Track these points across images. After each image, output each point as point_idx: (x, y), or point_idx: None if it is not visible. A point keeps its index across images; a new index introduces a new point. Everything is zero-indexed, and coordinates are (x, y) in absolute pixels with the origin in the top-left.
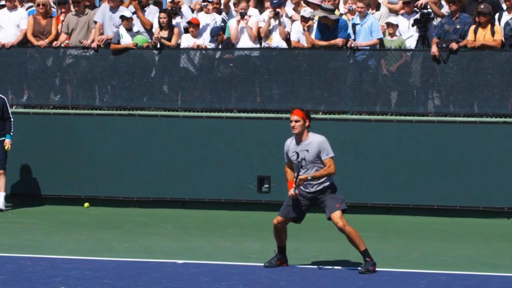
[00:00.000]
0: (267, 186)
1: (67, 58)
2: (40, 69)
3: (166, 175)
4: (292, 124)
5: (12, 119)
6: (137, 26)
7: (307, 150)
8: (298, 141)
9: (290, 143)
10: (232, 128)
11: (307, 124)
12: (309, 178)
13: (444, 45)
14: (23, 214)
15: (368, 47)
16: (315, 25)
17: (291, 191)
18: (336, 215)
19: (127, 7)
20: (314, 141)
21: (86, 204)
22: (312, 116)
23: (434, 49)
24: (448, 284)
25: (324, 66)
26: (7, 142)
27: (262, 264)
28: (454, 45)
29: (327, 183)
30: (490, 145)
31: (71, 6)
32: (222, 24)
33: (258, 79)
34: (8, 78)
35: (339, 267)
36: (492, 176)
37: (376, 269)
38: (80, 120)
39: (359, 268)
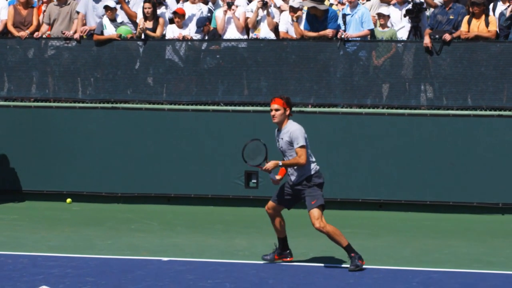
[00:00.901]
0: (255, 181)
1: (49, 49)
2: (20, 61)
3: (150, 170)
4: (272, 113)
5: None
6: (121, 16)
7: (282, 139)
8: (279, 129)
9: (276, 130)
10: (219, 122)
11: (287, 112)
12: (279, 164)
13: (437, 36)
14: (3, 210)
15: (359, 38)
16: (304, 16)
17: (272, 176)
18: (313, 215)
19: None
20: (289, 130)
21: (69, 200)
22: (302, 109)
23: (426, 40)
24: (441, 282)
25: (314, 58)
26: None
27: (250, 262)
28: (447, 36)
29: (306, 175)
30: (484, 139)
31: None
32: (209, 14)
33: (245, 71)
34: None
35: (329, 265)
36: (487, 171)
37: (365, 263)
38: (62, 114)
39: (349, 266)
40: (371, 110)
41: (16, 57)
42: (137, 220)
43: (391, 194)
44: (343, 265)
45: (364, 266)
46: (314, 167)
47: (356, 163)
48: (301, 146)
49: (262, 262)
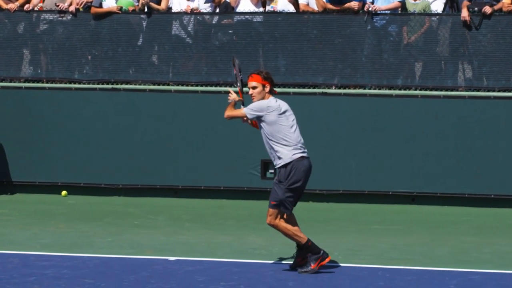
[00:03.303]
0: (272, 171)
1: (41, 24)
2: (9, 37)
3: (155, 159)
4: (250, 91)
5: None
6: None
7: None
8: None
9: None
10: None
11: (267, 89)
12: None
13: (476, 8)
14: None
15: (388, 11)
16: None
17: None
18: (268, 211)
19: None
20: None
21: (64, 193)
22: (324, 91)
23: (464, 14)
24: (481, 284)
25: (338, 33)
26: None
27: (267, 262)
28: (487, 9)
29: (278, 164)
30: None
31: None
32: None
33: (261, 48)
34: None
35: (356, 265)
36: None
37: (324, 263)
38: (56, 96)
39: (298, 268)
40: (402, 92)
41: (5, 33)
42: (140, 215)
43: (425, 186)
44: (372, 265)
45: (335, 269)
46: (288, 155)
47: (386, 151)
48: (245, 111)
49: (280, 262)
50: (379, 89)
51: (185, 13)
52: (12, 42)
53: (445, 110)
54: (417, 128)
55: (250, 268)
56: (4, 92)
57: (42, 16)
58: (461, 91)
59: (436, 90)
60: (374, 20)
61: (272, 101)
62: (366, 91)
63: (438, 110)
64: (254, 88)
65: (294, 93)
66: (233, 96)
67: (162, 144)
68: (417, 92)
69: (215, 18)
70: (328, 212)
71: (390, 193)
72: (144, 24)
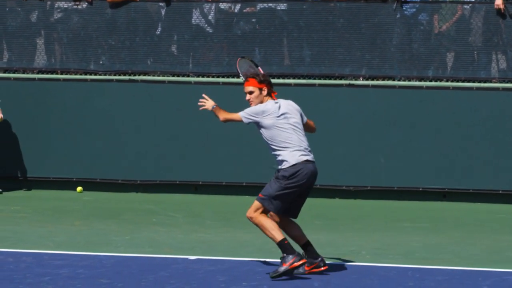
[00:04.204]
0: None
1: (55, 12)
2: (22, 26)
3: (175, 154)
4: (247, 97)
5: None
6: None
7: None
8: None
9: None
10: None
11: (265, 92)
12: (213, 106)
13: None
14: (3, 201)
15: None
16: None
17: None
18: (252, 204)
19: None
20: None
21: (79, 189)
22: (351, 82)
23: (498, 2)
24: None
25: (366, 22)
26: None
27: None
28: None
29: (285, 166)
30: None
31: None
32: None
33: (285, 38)
34: None
35: (384, 265)
36: None
37: (296, 265)
38: (71, 87)
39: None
40: (433, 84)
41: (17, 21)
42: (159, 212)
43: (457, 182)
44: (401, 265)
45: (304, 270)
46: (293, 156)
47: (416, 145)
48: (241, 115)
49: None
50: (409, 80)
51: (205, 1)
52: (25, 32)
53: (478, 102)
54: (448, 121)
55: (274, 268)
56: (16, 83)
57: (56, 4)
58: (494, 82)
59: (468, 81)
60: (404, 8)
61: (269, 104)
62: (395, 82)
63: (470, 103)
64: (251, 93)
65: (320, 85)
66: (208, 104)
67: (181, 138)
68: (449, 83)
69: (237, 6)
70: (356, 209)
71: (420, 189)
72: (163, 12)
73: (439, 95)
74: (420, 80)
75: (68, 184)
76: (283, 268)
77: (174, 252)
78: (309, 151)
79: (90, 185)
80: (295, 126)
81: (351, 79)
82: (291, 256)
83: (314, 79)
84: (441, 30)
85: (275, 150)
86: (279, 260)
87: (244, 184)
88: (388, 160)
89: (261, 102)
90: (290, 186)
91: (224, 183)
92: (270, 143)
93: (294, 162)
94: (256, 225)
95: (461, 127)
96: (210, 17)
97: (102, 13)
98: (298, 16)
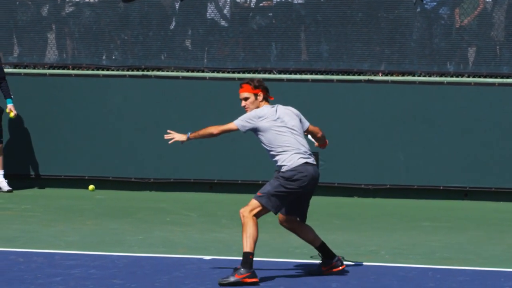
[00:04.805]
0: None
1: (67, 6)
2: (33, 20)
3: (189, 152)
4: (242, 103)
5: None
6: None
7: None
8: None
9: None
10: (271, 93)
11: (260, 98)
12: (188, 135)
13: None
14: (13, 199)
15: None
16: None
17: None
18: (250, 202)
19: None
20: None
21: (91, 187)
22: (370, 78)
23: None
24: None
25: (385, 16)
26: (11, 108)
27: (309, 261)
28: None
29: (285, 169)
30: None
31: None
32: None
33: (303, 32)
34: None
35: (404, 265)
36: None
37: (247, 280)
38: (83, 83)
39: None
40: (454, 79)
41: (28, 15)
42: (173, 211)
43: (479, 180)
44: (421, 265)
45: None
46: (292, 159)
47: (436, 143)
48: (236, 123)
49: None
50: (429, 76)
51: None
52: (36, 26)
53: (500, 98)
54: (470, 118)
55: (291, 268)
56: (27, 79)
57: None
58: None
59: (490, 77)
60: (424, 1)
61: (265, 109)
62: (415, 78)
63: (492, 99)
64: (246, 99)
65: (338, 81)
66: (178, 136)
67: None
68: (470, 79)
69: (253, 0)
70: (375, 208)
71: (441, 188)
72: (177, 6)
73: (460, 91)
74: (440, 76)
75: (79, 182)
76: (234, 279)
77: (189, 252)
78: (309, 154)
79: (102, 183)
80: (293, 129)
81: (370, 75)
82: (246, 270)
83: (332, 74)
84: (462, 24)
85: (274, 155)
86: (296, 260)
87: (260, 182)
88: (408, 158)
89: (258, 107)
90: (291, 187)
91: (239, 182)
92: (268, 148)
93: (293, 166)
94: (242, 224)
95: (482, 124)
96: (225, 11)
97: (115, 7)
98: (315, 10)
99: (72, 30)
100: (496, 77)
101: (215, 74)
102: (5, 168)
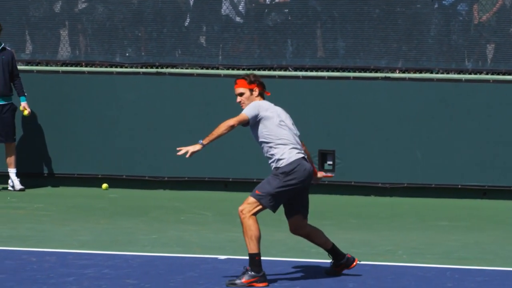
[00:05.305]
0: (331, 163)
1: (80, 2)
2: (45, 17)
3: (204, 150)
4: (238, 99)
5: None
6: None
7: None
8: None
9: None
10: (286, 90)
11: (255, 93)
12: (200, 142)
13: None
14: (25, 198)
15: None
16: None
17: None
18: (247, 199)
19: None
20: None
21: (105, 185)
22: (387, 75)
23: None
24: None
25: (402, 13)
26: (25, 106)
27: (324, 261)
28: None
29: (283, 164)
30: None
31: None
32: None
33: (319, 29)
34: (6, 28)
35: (422, 265)
36: None
37: (257, 285)
38: (96, 80)
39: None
40: (472, 76)
41: (40, 12)
42: (187, 210)
43: (498, 179)
44: (439, 265)
45: None
46: (291, 153)
47: (454, 141)
48: (246, 113)
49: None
50: (447, 73)
51: None
52: (49, 23)
53: None
54: (488, 115)
55: (307, 268)
56: (40, 76)
57: None
58: None
59: (509, 74)
60: None
61: (262, 102)
62: (433, 75)
63: (511, 96)
64: (241, 94)
65: (355, 78)
66: (191, 147)
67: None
68: (489, 76)
69: None
70: (392, 207)
71: (459, 186)
72: (191, 2)
73: (479, 88)
74: (459, 73)
75: (93, 181)
76: (241, 283)
77: (203, 252)
78: (303, 153)
79: (116, 182)
80: (288, 126)
81: (387, 72)
82: (255, 274)
83: (349, 71)
84: (481, 20)
85: (271, 147)
86: (313, 260)
87: None
88: (425, 156)
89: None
90: (290, 183)
91: (255, 180)
92: (267, 139)
93: (292, 159)
94: (242, 224)
95: (501, 122)
96: (240, 8)
97: (128, 3)
98: (332, 7)
99: (85, 26)
100: None
101: (230, 71)
102: (17, 166)
